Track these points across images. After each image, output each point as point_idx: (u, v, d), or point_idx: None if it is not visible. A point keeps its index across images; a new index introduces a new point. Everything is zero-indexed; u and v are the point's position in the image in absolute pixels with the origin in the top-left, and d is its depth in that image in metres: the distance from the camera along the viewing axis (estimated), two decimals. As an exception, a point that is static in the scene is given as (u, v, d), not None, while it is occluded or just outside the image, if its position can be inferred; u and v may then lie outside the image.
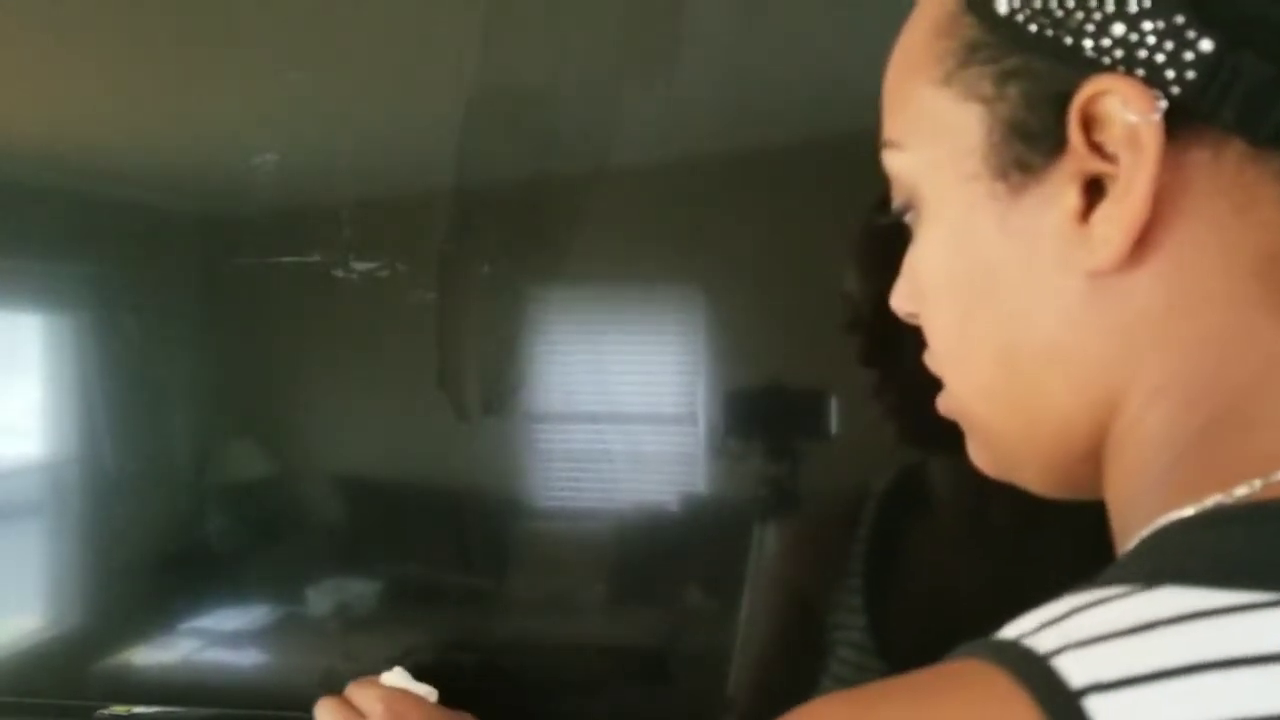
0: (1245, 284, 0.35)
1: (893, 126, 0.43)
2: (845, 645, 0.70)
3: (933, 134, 0.40)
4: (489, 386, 0.76)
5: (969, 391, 0.43)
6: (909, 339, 0.47)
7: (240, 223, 0.81)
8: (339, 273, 0.77)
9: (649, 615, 0.77)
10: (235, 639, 0.82)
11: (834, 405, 0.71)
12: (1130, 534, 0.35)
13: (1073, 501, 0.43)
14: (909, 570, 0.71)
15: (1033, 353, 0.39)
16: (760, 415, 0.73)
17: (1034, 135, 0.36)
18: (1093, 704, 0.25)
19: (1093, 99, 0.34)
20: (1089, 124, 0.35)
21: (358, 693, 0.72)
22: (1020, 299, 0.38)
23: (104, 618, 0.86)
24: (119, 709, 0.82)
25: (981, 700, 0.27)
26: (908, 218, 0.44)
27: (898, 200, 0.44)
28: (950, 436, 0.46)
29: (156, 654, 0.84)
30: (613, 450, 0.75)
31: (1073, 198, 0.36)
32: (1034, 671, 0.27)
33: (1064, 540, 0.62)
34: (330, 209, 0.77)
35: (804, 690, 0.71)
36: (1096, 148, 0.35)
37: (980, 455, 0.45)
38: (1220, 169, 0.34)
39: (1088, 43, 0.34)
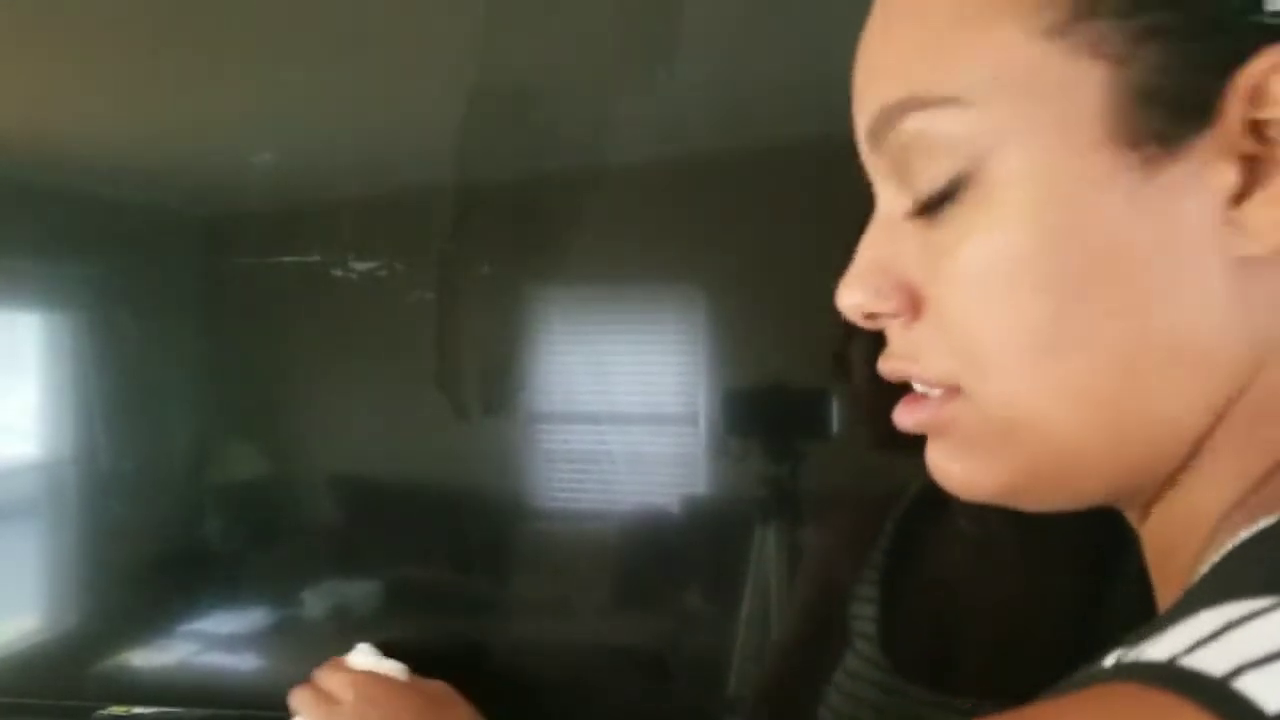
0: None
1: (946, 79, 0.36)
2: (859, 636, 0.70)
3: (1028, 92, 0.34)
4: (489, 386, 0.75)
5: (1042, 398, 0.36)
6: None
7: (239, 222, 0.81)
8: (338, 272, 0.76)
9: (649, 616, 0.76)
10: (233, 640, 0.82)
11: (835, 405, 0.71)
12: (1207, 534, 0.33)
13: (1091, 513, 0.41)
14: (925, 566, 0.71)
15: (1161, 345, 0.34)
16: (761, 416, 0.72)
17: (1180, 105, 0.32)
18: None
19: (1270, 71, 0.31)
20: (1255, 99, 0.31)
21: (328, 678, 0.72)
22: (1151, 287, 0.34)
23: (102, 619, 0.86)
24: (117, 710, 0.82)
25: None
26: (951, 198, 0.37)
27: (941, 173, 0.36)
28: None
29: (155, 655, 0.84)
30: (613, 451, 0.74)
31: (1230, 177, 0.32)
32: (1218, 698, 0.24)
33: (1079, 549, 0.62)
34: (329, 208, 0.76)
35: (824, 682, 0.71)
36: (1255, 127, 0.32)
37: (994, 474, 0.39)
38: None
39: (1272, 6, 0.31)
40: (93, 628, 0.86)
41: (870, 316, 0.41)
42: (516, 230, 0.75)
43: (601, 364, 0.76)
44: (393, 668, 0.73)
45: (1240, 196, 0.33)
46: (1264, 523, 0.31)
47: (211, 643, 0.82)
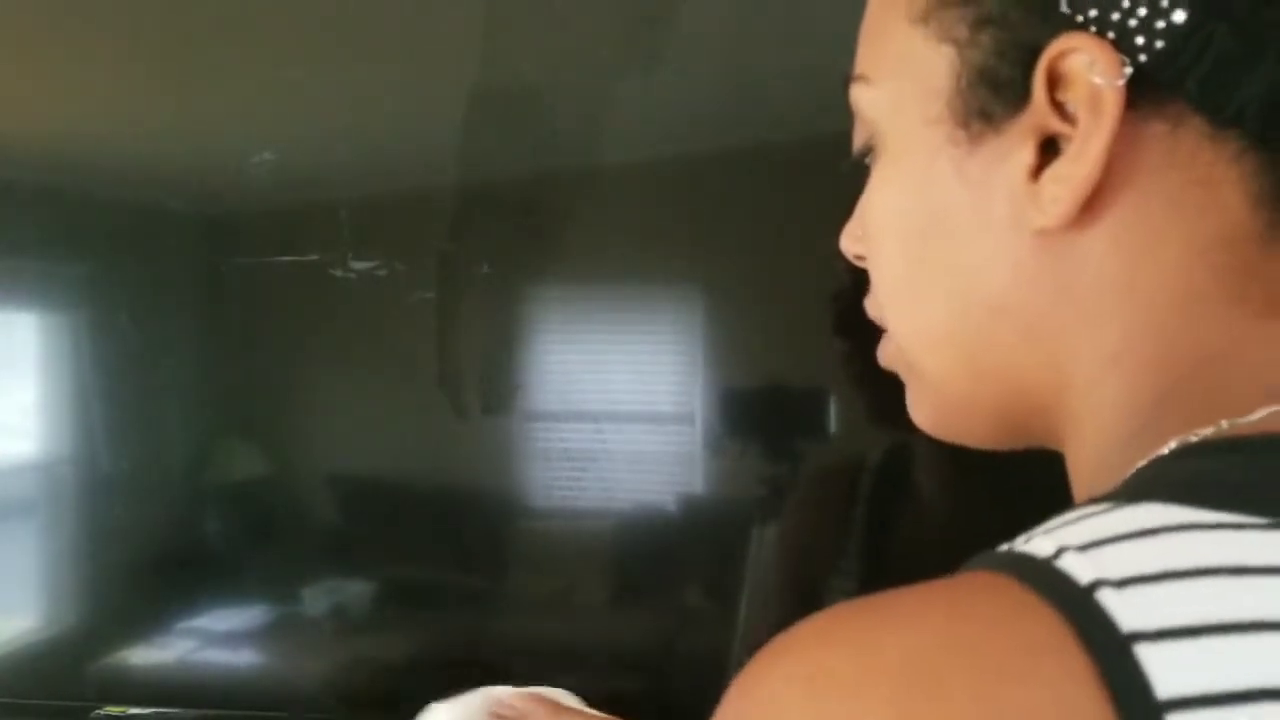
0: (1197, 262, 0.35)
1: (865, 60, 0.42)
2: None
3: (902, 71, 0.40)
4: (488, 385, 0.76)
5: (916, 339, 0.42)
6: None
7: (238, 222, 0.81)
8: (337, 272, 0.76)
9: (648, 614, 0.77)
10: (231, 639, 0.82)
11: (832, 405, 0.71)
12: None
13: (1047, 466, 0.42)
14: (899, 537, 0.71)
15: (982, 304, 0.38)
16: (758, 415, 0.73)
17: (1000, 85, 0.36)
18: (1105, 598, 0.25)
19: (1061, 56, 0.34)
20: (1054, 81, 0.34)
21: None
22: (971, 249, 0.38)
23: (99, 618, 0.86)
24: (114, 710, 0.82)
25: (996, 605, 0.27)
26: (868, 159, 0.43)
27: (859, 139, 0.43)
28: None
29: (152, 654, 0.84)
30: (611, 450, 0.75)
31: (1028, 154, 0.35)
32: (1039, 573, 0.26)
33: (1041, 503, 0.62)
34: (329, 208, 0.76)
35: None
36: (1058, 106, 0.35)
37: (922, 409, 0.44)
38: (1177, 144, 0.34)
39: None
40: (90, 628, 0.86)
41: (858, 258, 0.46)
42: (516, 230, 0.75)
43: (600, 363, 0.76)
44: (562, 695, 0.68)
45: (1037, 172, 0.35)
46: (1150, 456, 0.33)
47: (209, 642, 0.82)
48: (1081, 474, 0.38)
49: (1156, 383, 0.35)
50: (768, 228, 0.71)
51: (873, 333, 0.61)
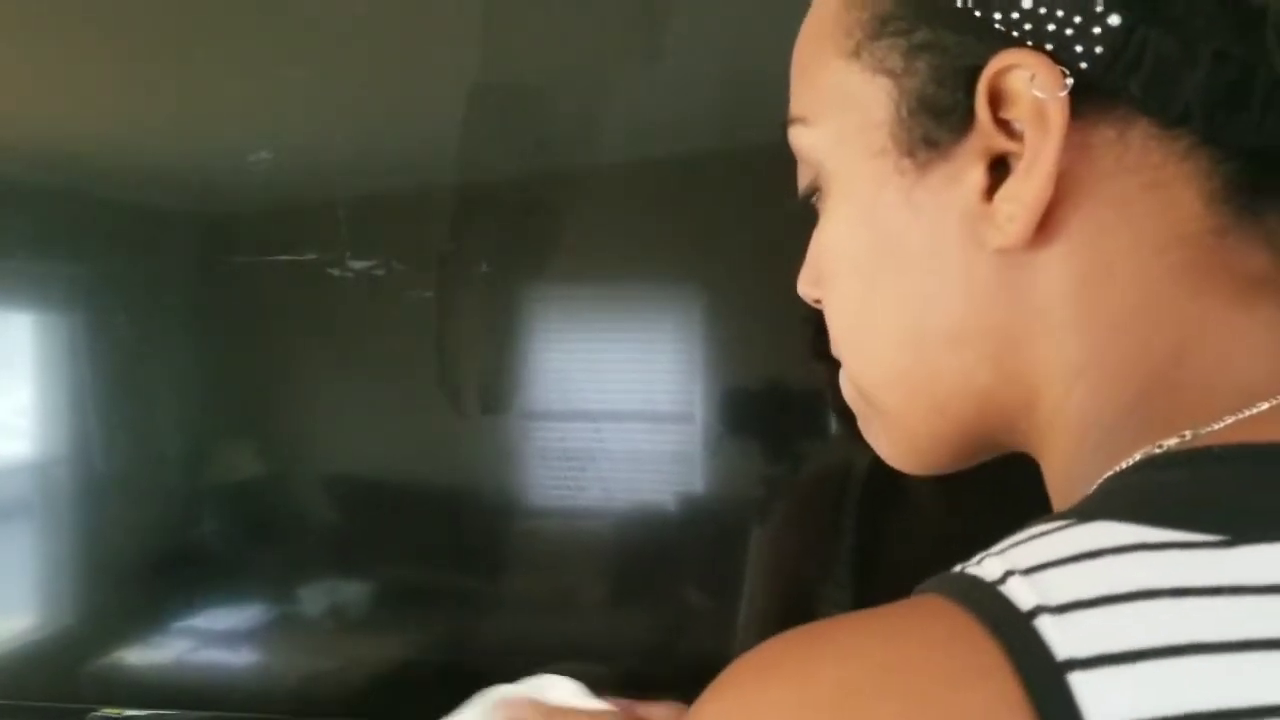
0: (1155, 262, 0.34)
1: (800, 102, 0.42)
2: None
3: (840, 108, 0.39)
4: (487, 385, 0.75)
5: (872, 375, 0.41)
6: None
7: (236, 221, 0.81)
8: (335, 271, 0.76)
9: (648, 614, 0.77)
10: (229, 640, 0.82)
11: (831, 404, 0.71)
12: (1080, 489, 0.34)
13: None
14: (892, 542, 0.71)
15: (940, 332, 0.38)
16: (758, 414, 0.73)
17: (942, 111, 0.36)
18: (1043, 625, 0.25)
19: (1000, 74, 0.34)
20: (996, 100, 0.34)
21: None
22: (926, 277, 0.38)
23: (96, 619, 0.86)
24: (111, 711, 0.82)
25: (933, 632, 0.27)
26: (814, 199, 0.43)
27: (804, 180, 0.43)
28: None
29: (149, 656, 0.83)
30: (610, 449, 0.74)
31: (978, 175, 0.35)
32: (983, 598, 0.27)
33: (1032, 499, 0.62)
34: (327, 207, 0.76)
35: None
36: (1003, 125, 0.35)
37: (886, 446, 0.44)
38: (1126, 148, 0.34)
39: (997, 15, 0.34)
40: (87, 628, 0.85)
41: (817, 302, 0.46)
42: (515, 229, 0.75)
43: (599, 362, 0.76)
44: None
45: (990, 192, 0.35)
46: (1116, 467, 0.33)
47: (207, 643, 0.82)
48: (1056, 484, 0.39)
49: (1124, 391, 0.35)
50: (768, 227, 0.71)
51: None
